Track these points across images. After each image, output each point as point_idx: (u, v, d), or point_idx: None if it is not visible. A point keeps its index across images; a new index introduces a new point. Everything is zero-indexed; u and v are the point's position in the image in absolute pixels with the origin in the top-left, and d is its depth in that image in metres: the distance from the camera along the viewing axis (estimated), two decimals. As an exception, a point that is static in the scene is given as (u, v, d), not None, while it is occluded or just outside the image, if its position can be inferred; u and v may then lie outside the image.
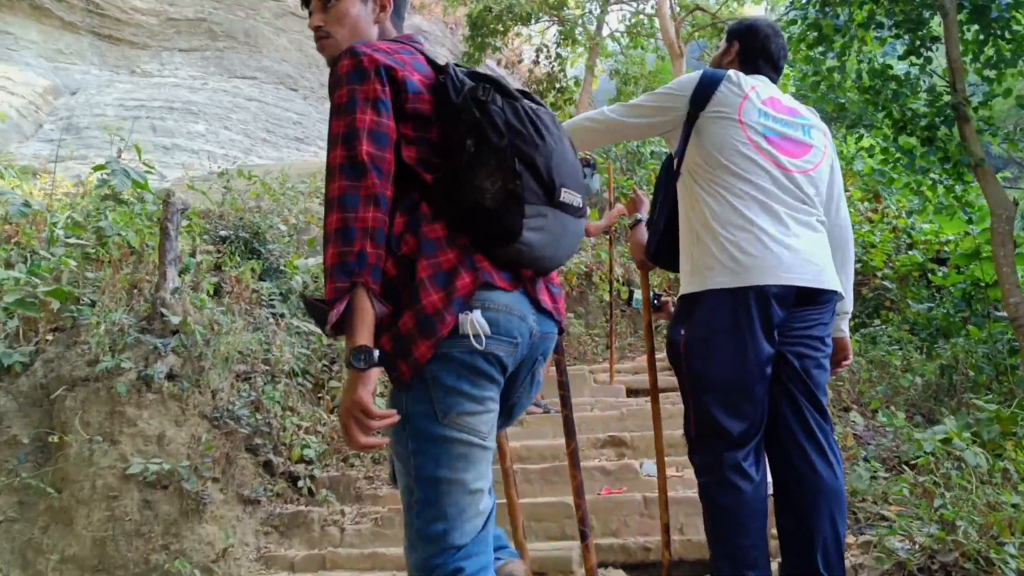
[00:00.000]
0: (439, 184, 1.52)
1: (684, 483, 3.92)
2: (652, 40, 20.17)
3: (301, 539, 3.84)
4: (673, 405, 5.33)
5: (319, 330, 4.89)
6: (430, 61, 1.65)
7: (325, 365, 4.95)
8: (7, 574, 3.37)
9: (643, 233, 3.15)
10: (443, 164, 1.53)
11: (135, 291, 4.10)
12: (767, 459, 2.21)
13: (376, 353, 1.41)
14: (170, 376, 3.77)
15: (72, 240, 4.45)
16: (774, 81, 2.42)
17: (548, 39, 21.10)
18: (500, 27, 17.99)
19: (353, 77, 1.51)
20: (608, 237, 7.74)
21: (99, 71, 18.64)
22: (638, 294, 3.47)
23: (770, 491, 2.22)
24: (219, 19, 19.60)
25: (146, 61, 19.22)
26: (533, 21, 18.83)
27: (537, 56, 20.37)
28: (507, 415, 1.70)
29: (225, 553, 3.54)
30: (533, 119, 1.51)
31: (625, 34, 19.54)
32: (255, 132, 18.21)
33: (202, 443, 3.77)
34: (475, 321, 1.45)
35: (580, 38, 19.93)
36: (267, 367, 4.19)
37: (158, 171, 15.82)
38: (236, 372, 3.97)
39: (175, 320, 3.70)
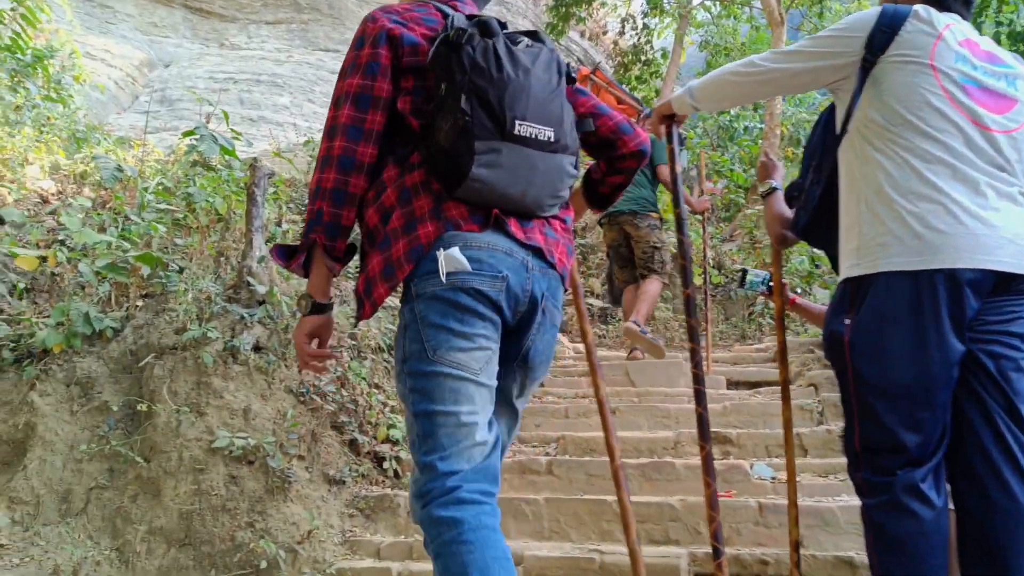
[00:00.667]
0: (422, 130, 1.57)
1: (801, 489, 3.56)
2: (747, 9, 19.20)
3: (387, 524, 3.67)
4: (771, 400, 4.96)
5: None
6: (447, 16, 1.64)
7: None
8: (97, 542, 3.33)
9: (780, 204, 2.78)
10: (428, 110, 1.57)
11: (222, 258, 3.99)
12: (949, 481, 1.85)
13: (314, 302, 1.64)
14: (256, 348, 3.65)
15: (162, 206, 4.38)
16: (965, 19, 2.00)
17: (634, 9, 20.37)
18: (586, -4, 17.40)
19: (356, 44, 1.63)
20: (700, 217, 7.26)
21: (190, 44, 19.07)
22: (753, 275, 3.11)
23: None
24: (304, -9, 19.71)
25: (234, 34, 19.55)
26: (620, -11, 18.15)
27: (622, 27, 19.71)
28: (524, 361, 1.67)
29: (310, 535, 3.40)
30: (498, 55, 1.50)
31: (717, 2, 18.62)
32: (337, 106, 18.29)
33: (288, 419, 3.64)
34: (451, 257, 1.50)
35: (669, 7, 19.15)
36: (353, 342, 4.02)
37: (245, 141, 16.11)
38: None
39: (261, 290, 3.57)
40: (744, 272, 3.21)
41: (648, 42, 19.63)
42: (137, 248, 3.97)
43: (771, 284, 2.94)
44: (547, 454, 4.70)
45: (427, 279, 1.52)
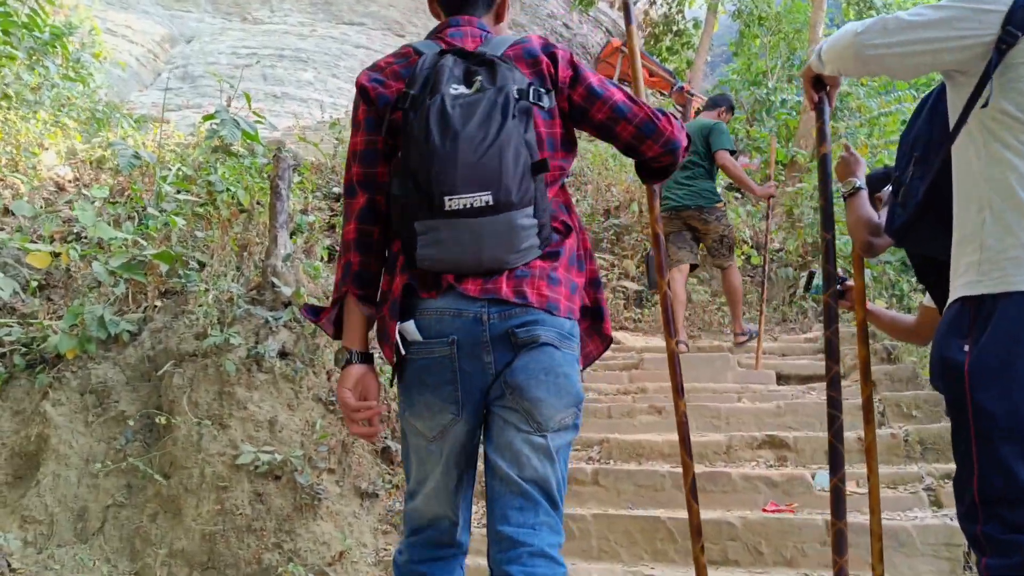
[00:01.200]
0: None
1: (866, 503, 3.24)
2: (783, -24, 18.43)
3: (423, 542, 3.41)
4: (820, 396, 4.62)
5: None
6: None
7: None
8: (115, 565, 3.11)
9: (866, 206, 2.42)
10: None
11: (245, 254, 3.72)
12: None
13: (355, 353, 1.65)
14: (282, 354, 3.37)
15: (181, 196, 4.10)
16: None
17: (666, -22, 19.70)
18: (617, -36, 16.80)
19: (354, 103, 1.70)
20: (766, 203, 6.71)
21: (212, 19, 18.78)
22: (820, 279, 2.76)
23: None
24: (327, -37, 19.28)
25: (257, 8, 19.20)
26: (652, -43, 17.52)
27: (654, -4, 19.08)
28: (508, 386, 1.55)
29: (342, 556, 3.15)
30: (428, 124, 1.47)
31: (754, -30, 17.87)
32: (362, 80, 17.95)
33: (317, 430, 3.37)
34: (406, 329, 1.55)
35: (702, -24, 18.46)
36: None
37: (268, 121, 15.83)
38: (353, 349, 3.53)
39: (287, 291, 3.27)
40: (811, 275, 2.84)
41: (680, 12, 18.99)
42: (155, 243, 3.71)
43: (838, 285, 2.61)
44: (590, 459, 4.41)
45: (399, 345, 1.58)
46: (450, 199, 1.44)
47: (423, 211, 1.47)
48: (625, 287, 8.89)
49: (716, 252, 5.81)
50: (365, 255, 1.62)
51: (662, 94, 16.05)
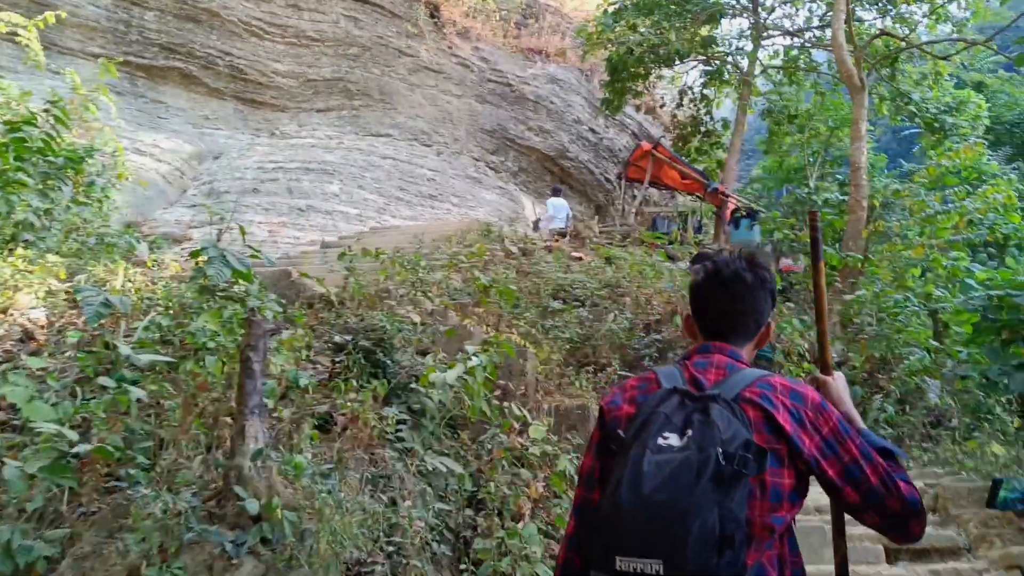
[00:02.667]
0: None
1: None
2: (811, 75, 18.22)
3: None
4: None
5: (458, 467, 3.54)
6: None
7: (469, 518, 3.64)
8: None
9: None
10: None
11: (214, 443, 2.97)
12: None
13: None
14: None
15: (145, 357, 3.41)
16: None
17: (692, 80, 19.59)
18: (641, 70, 16.71)
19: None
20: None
21: (241, 135, 18.99)
22: (1009, 487, 1.98)
23: None
24: (355, 78, 19.58)
25: (285, 123, 19.42)
26: (678, 61, 17.42)
27: (680, 99, 18.91)
28: None
29: None
30: (623, 473, 1.48)
31: (781, 70, 17.72)
32: (389, 190, 17.82)
33: None
34: None
35: (728, 77, 18.31)
36: (391, 547, 2.90)
37: (291, 235, 15.55)
38: (346, 564, 2.69)
39: (254, 506, 2.49)
40: (996, 484, 2.05)
41: (708, 112, 18.77)
42: (103, 425, 3.00)
43: None
44: None
45: None
46: (621, 560, 1.42)
47: (598, 563, 1.48)
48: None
49: None
50: (571, 550, 1.67)
51: (697, 197, 15.51)
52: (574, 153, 20.53)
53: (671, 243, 12.04)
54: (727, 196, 14.34)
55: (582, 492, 1.66)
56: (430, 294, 5.98)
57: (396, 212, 17.26)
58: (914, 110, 13.24)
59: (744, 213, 13.38)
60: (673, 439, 1.48)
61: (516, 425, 4.22)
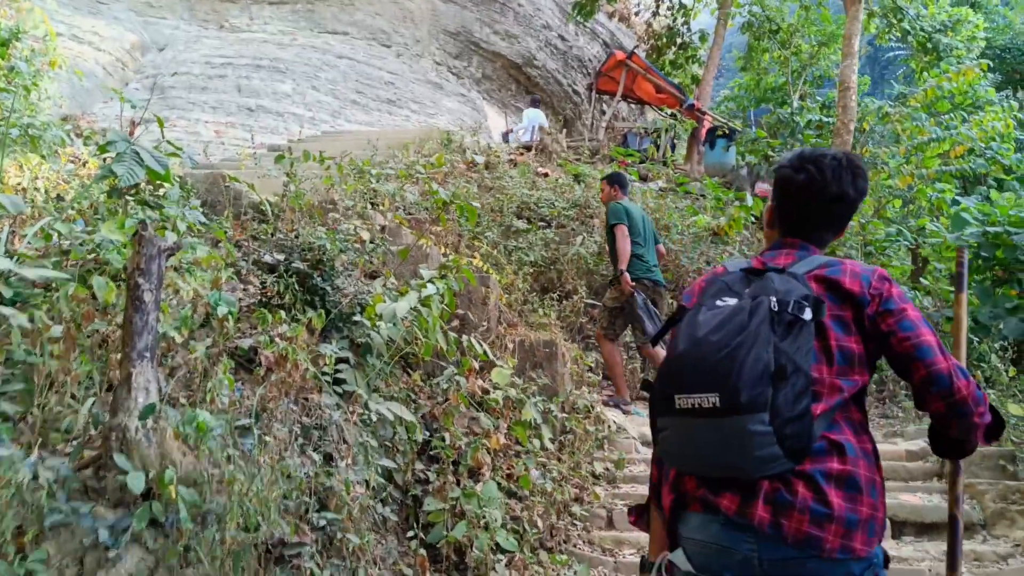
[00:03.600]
0: None
1: None
2: (796, -13, 17.32)
3: None
4: None
5: (408, 414, 3.08)
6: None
7: (420, 472, 3.19)
8: None
9: None
10: None
11: (103, 388, 2.41)
12: None
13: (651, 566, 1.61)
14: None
15: (33, 272, 2.79)
16: None
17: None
18: (619, -27, 15.63)
19: None
20: None
21: (189, 26, 17.53)
22: None
23: None
24: (311, -32, 18.07)
25: (235, 15, 17.97)
26: (656, -35, 16.36)
27: (657, 6, 17.88)
28: None
29: None
30: (681, 329, 1.58)
31: (767, -21, 16.74)
32: (344, 93, 16.70)
33: None
34: (677, 559, 1.54)
35: (709, -15, 17.33)
36: (323, 522, 2.41)
37: (240, 136, 14.50)
38: (265, 547, 2.19)
39: (139, 482, 1.97)
40: None
41: (685, 23, 17.83)
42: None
43: None
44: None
45: None
46: (679, 397, 1.48)
47: (661, 408, 1.55)
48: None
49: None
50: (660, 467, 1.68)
51: (671, 115, 14.80)
52: (541, 61, 19.50)
53: (643, 161, 11.44)
54: (703, 113, 13.69)
55: None
56: (381, 207, 5.36)
57: (352, 116, 16.24)
58: (907, 27, 12.51)
59: (722, 132, 12.78)
60: (731, 301, 1.55)
61: (476, 364, 3.74)
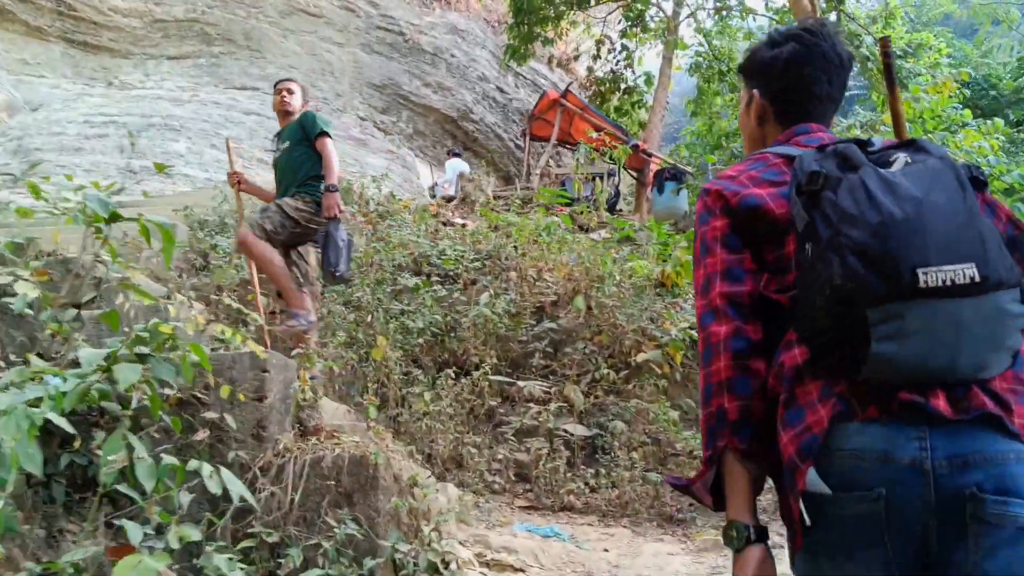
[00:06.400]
0: (792, 303, 1.30)
1: None
2: (745, 23, 15.96)
3: None
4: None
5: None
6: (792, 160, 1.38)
7: None
8: None
9: None
10: (796, 279, 1.30)
11: None
12: None
13: (751, 529, 1.27)
14: None
15: None
16: None
17: (610, 30, 17.07)
18: (551, 12, 14.10)
19: (699, 220, 1.45)
20: None
21: (72, 83, 15.51)
22: None
23: None
24: (214, 19, 16.31)
25: (128, 71, 16.01)
26: (592, 3, 14.86)
27: (598, 49, 16.37)
28: None
29: None
30: (870, 192, 1.17)
31: (714, 14, 15.35)
32: (250, 151, 14.70)
33: None
34: (808, 480, 1.20)
35: (652, 24, 15.89)
36: None
37: (117, 200, 12.36)
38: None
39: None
40: None
41: (629, 66, 16.37)
42: None
43: None
44: None
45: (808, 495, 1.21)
46: (925, 272, 1.11)
47: (880, 295, 1.12)
48: (567, 432, 5.51)
49: None
50: (745, 397, 1.29)
51: (609, 158, 12.95)
52: (479, 114, 17.86)
53: (572, 203, 9.55)
54: (650, 155, 11.90)
55: (728, 287, 1.32)
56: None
57: (260, 175, 14.13)
58: (866, 54, 11.21)
59: (669, 175, 10.96)
60: (896, 165, 1.22)
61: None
